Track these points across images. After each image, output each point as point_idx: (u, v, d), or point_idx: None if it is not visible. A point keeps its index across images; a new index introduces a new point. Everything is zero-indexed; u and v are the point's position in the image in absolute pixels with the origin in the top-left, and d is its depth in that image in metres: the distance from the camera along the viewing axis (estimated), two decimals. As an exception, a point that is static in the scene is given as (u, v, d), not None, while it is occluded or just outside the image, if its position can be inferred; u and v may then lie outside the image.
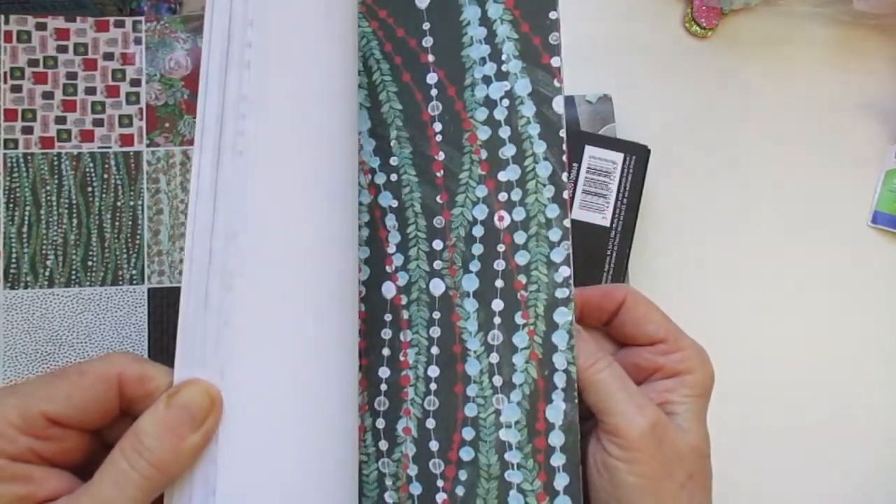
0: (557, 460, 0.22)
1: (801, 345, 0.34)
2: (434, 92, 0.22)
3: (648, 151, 0.31)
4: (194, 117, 0.26)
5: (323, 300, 0.18)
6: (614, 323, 0.24)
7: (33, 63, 0.27)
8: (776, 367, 0.33)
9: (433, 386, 0.22)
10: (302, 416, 0.17)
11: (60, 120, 0.27)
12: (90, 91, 0.27)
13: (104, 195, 0.26)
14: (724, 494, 0.29)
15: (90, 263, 0.26)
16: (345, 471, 0.18)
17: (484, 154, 0.22)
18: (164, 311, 0.26)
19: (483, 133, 0.22)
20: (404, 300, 0.22)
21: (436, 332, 0.22)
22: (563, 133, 0.22)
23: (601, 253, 0.30)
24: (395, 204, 0.22)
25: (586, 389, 0.23)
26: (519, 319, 0.22)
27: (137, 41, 0.27)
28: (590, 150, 0.31)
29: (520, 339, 0.22)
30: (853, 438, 0.33)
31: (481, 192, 0.22)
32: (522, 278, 0.22)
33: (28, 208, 0.27)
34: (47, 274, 0.26)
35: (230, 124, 0.17)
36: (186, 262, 0.17)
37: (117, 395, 0.17)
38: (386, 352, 0.22)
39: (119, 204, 0.26)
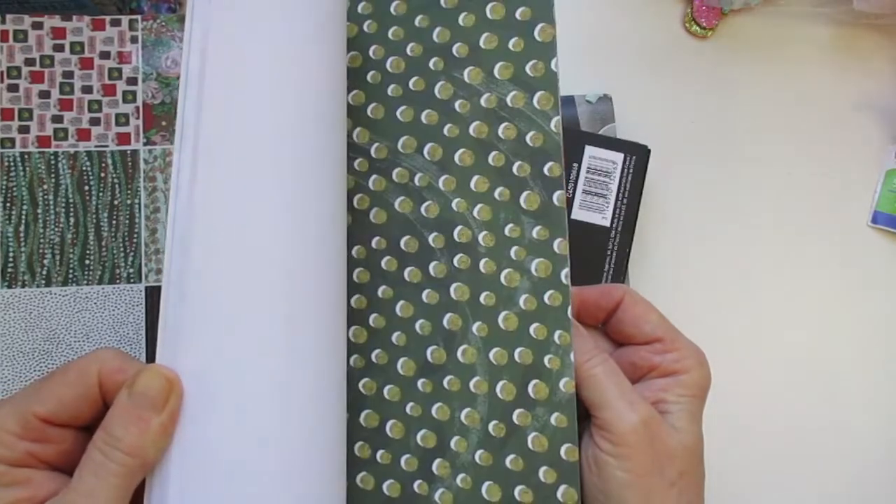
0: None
1: (801, 345, 0.33)
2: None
3: (648, 151, 0.31)
4: None
5: (294, 291, 0.18)
6: (612, 322, 0.24)
7: (30, 62, 0.27)
8: (776, 367, 0.33)
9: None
10: (268, 399, 0.17)
11: (57, 119, 0.27)
12: (87, 90, 0.27)
13: (101, 194, 0.26)
14: (723, 494, 0.29)
15: (87, 262, 0.26)
16: (327, 454, 0.18)
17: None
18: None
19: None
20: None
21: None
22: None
23: (601, 253, 0.30)
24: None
25: (581, 385, 0.23)
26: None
27: (134, 40, 0.27)
28: (590, 150, 0.31)
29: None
30: (853, 439, 0.33)
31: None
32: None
33: (25, 207, 0.26)
34: (44, 273, 0.26)
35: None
36: (165, 258, 0.18)
37: (98, 390, 0.18)
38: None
39: (116, 202, 0.26)
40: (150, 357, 0.26)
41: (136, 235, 0.26)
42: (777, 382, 0.33)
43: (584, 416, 0.23)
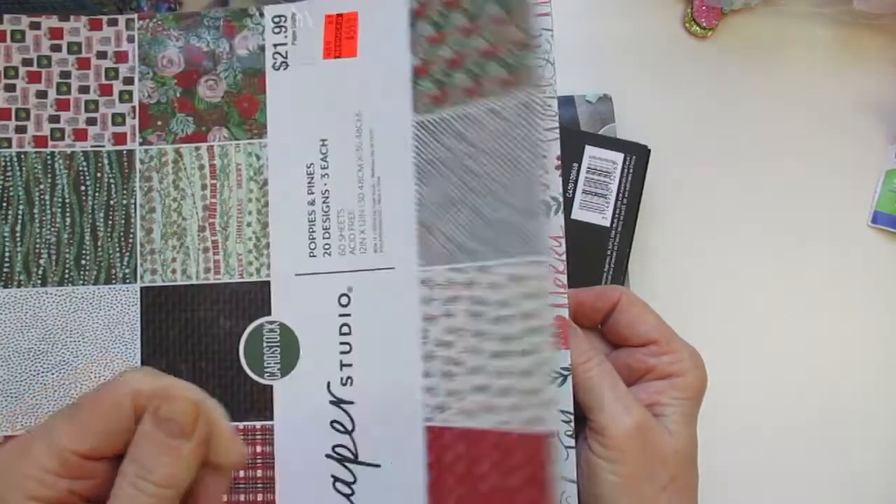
0: None
1: (801, 344, 0.33)
2: None
3: (648, 151, 0.31)
4: (186, 115, 0.26)
5: None
6: (608, 323, 0.24)
7: (27, 62, 0.26)
8: (775, 367, 0.33)
9: None
10: None
11: (54, 119, 0.26)
12: (83, 90, 0.26)
13: (97, 194, 0.26)
14: (720, 497, 0.29)
15: (83, 262, 0.26)
16: None
17: None
18: (156, 309, 0.26)
19: None
20: None
21: None
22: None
23: (601, 253, 0.30)
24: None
25: (577, 387, 0.23)
26: None
27: (130, 39, 0.27)
28: (590, 150, 0.31)
29: None
30: (853, 439, 0.33)
31: None
32: None
33: (21, 207, 0.26)
34: (40, 273, 0.26)
35: None
36: None
37: (133, 418, 0.17)
38: None
39: (112, 202, 0.26)
40: (143, 356, 0.26)
41: (131, 235, 0.26)
42: (776, 382, 0.33)
43: (581, 419, 0.23)
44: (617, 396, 0.22)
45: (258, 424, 0.25)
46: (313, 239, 0.25)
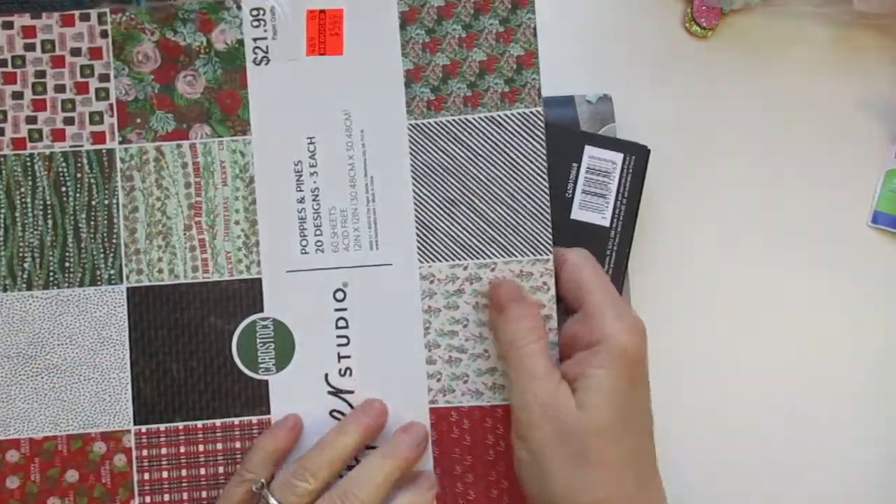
0: None
1: (801, 344, 0.33)
2: None
3: (648, 151, 0.31)
4: (166, 112, 0.26)
5: None
6: (559, 279, 0.24)
7: (2, 63, 0.26)
8: (775, 367, 0.33)
9: None
10: None
11: (31, 120, 0.26)
12: (59, 89, 0.26)
13: (78, 195, 0.26)
14: (720, 492, 0.28)
15: (67, 265, 0.26)
16: None
17: None
18: (144, 310, 0.25)
19: None
20: None
21: None
22: None
23: (601, 253, 0.30)
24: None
25: (508, 366, 0.23)
26: None
27: (104, 34, 0.26)
28: (590, 150, 0.30)
29: None
30: (852, 438, 0.33)
31: None
32: None
33: (3, 211, 0.26)
34: (25, 276, 0.26)
35: None
36: None
37: None
38: None
39: (94, 203, 0.26)
40: (135, 359, 0.25)
41: (115, 236, 0.25)
42: (776, 382, 0.33)
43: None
44: (532, 375, 0.22)
45: (254, 419, 0.25)
46: (304, 236, 0.25)
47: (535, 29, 0.25)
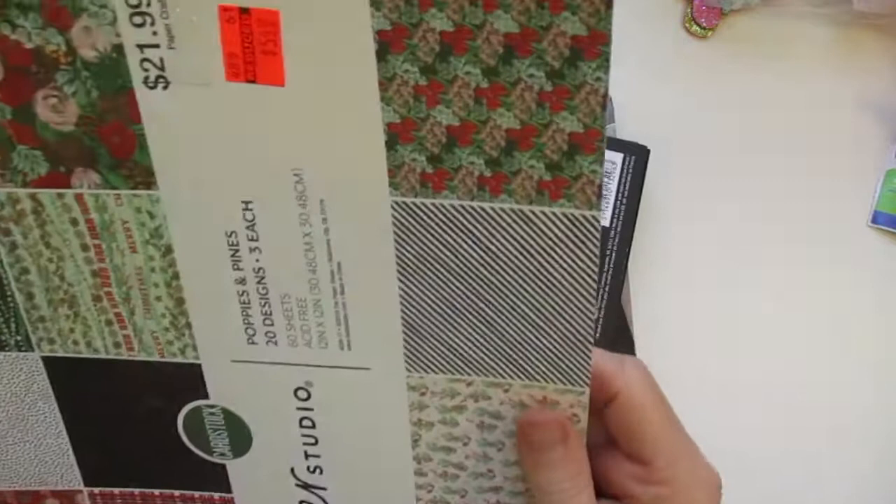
0: None
1: (801, 345, 0.33)
2: None
3: (648, 151, 0.31)
4: (30, 148, 0.17)
5: None
6: (606, 414, 0.20)
7: None
8: (775, 367, 0.33)
9: None
10: None
11: None
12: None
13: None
14: (724, 493, 0.29)
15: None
16: None
17: None
18: (65, 380, 0.21)
19: None
20: None
21: None
22: None
23: (601, 253, 0.30)
24: None
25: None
26: None
27: None
28: (589, 150, 0.31)
29: None
30: (852, 438, 0.33)
31: None
32: None
33: None
34: None
35: None
36: None
37: None
38: None
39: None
40: (70, 427, 0.21)
41: (10, 299, 0.19)
42: (776, 382, 0.33)
43: None
44: None
45: (216, 496, 0.22)
46: (250, 324, 0.20)
47: (604, 95, 0.17)
